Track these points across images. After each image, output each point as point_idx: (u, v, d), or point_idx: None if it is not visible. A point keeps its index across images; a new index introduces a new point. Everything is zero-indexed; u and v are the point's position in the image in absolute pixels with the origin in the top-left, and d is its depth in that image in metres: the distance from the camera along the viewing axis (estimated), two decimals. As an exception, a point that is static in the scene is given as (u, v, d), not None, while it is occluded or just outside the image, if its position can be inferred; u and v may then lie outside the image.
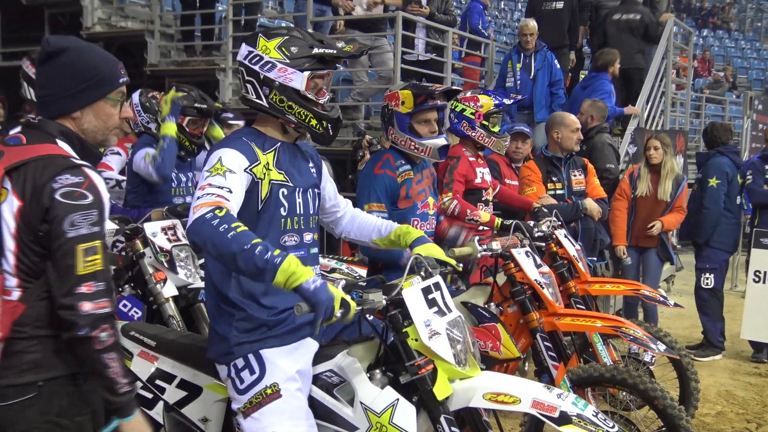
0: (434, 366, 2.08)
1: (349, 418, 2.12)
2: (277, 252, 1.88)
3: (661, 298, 3.86)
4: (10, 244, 1.81)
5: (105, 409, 1.92)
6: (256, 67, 2.20)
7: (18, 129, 1.95)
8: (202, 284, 3.64)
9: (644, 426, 3.28)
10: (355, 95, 7.21)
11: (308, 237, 2.31)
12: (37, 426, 1.83)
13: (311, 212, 2.33)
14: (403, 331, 2.09)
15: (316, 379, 2.23)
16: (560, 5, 7.15)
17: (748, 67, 19.29)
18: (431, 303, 2.12)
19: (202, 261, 3.53)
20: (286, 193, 2.22)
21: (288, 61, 2.18)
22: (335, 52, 2.22)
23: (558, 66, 6.64)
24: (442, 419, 2.05)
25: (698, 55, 17.08)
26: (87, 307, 1.78)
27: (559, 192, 4.64)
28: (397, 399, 2.07)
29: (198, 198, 2.00)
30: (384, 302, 2.05)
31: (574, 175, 4.72)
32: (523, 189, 4.66)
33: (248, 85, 2.23)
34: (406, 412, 2.05)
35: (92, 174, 1.87)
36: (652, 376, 3.69)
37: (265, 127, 2.28)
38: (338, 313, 1.86)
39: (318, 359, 2.26)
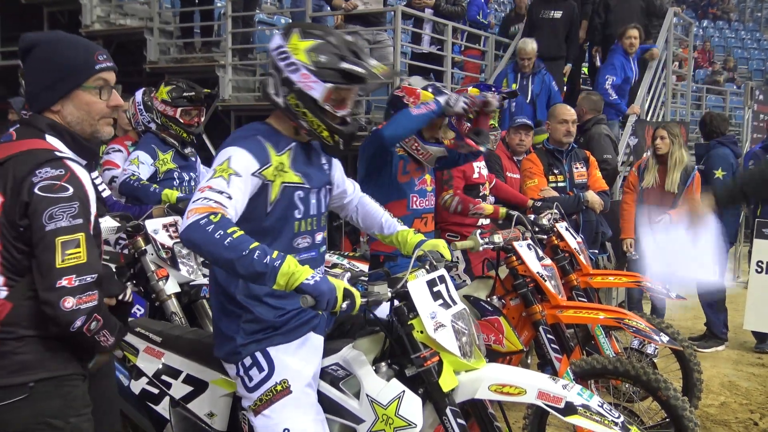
0: (440, 358, 2.09)
1: (355, 411, 2.14)
2: (275, 254, 1.86)
3: (664, 290, 3.86)
4: None
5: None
6: (281, 64, 2.13)
7: (16, 126, 1.94)
8: (204, 281, 3.64)
9: (648, 417, 3.30)
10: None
11: (319, 237, 2.29)
12: (30, 427, 1.80)
13: (323, 211, 2.31)
14: (409, 323, 2.09)
15: (323, 373, 2.24)
16: (558, 15, 6.91)
17: (748, 57, 19.25)
18: (436, 295, 2.13)
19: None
20: (302, 195, 2.19)
21: (314, 68, 2.10)
22: (364, 72, 2.12)
23: (556, 88, 6.35)
24: (447, 411, 2.06)
25: (698, 46, 17.05)
26: (69, 303, 1.74)
27: (560, 184, 4.64)
28: (403, 391, 2.07)
29: (194, 201, 1.95)
30: (389, 294, 2.06)
31: (576, 168, 4.71)
32: (525, 181, 4.66)
33: (270, 78, 2.18)
34: (412, 404, 2.06)
35: (75, 167, 1.83)
36: (655, 368, 3.69)
37: (280, 124, 2.23)
38: (344, 304, 1.87)
39: (324, 353, 2.26)
